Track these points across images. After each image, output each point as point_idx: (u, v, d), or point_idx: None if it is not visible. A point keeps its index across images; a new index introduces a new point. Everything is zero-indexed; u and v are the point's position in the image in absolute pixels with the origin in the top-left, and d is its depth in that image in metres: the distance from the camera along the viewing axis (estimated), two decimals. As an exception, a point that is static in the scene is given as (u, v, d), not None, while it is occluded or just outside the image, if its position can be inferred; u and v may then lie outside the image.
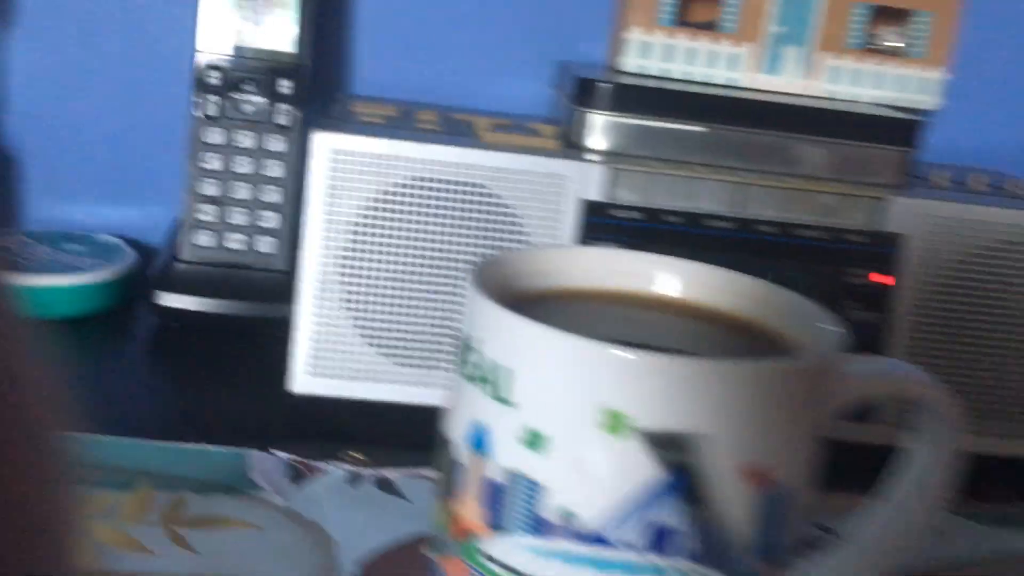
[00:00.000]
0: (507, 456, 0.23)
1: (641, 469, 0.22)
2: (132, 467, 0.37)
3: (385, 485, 0.38)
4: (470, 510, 0.24)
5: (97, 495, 0.34)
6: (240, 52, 0.51)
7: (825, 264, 0.44)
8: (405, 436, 0.38)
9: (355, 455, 0.39)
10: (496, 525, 0.24)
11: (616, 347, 0.22)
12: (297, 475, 0.38)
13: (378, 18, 0.58)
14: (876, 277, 0.44)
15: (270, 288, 0.51)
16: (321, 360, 0.42)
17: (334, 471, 0.38)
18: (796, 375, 0.23)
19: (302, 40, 0.52)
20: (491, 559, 0.24)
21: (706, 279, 0.27)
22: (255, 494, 0.36)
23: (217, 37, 0.51)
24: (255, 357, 0.47)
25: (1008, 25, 0.62)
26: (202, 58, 0.51)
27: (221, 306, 0.50)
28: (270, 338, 0.45)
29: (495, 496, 0.24)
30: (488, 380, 0.23)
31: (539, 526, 0.23)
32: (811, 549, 0.27)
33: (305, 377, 0.42)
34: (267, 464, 0.38)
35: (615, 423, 0.22)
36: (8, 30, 0.56)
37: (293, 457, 0.38)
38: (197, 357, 0.48)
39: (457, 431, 0.25)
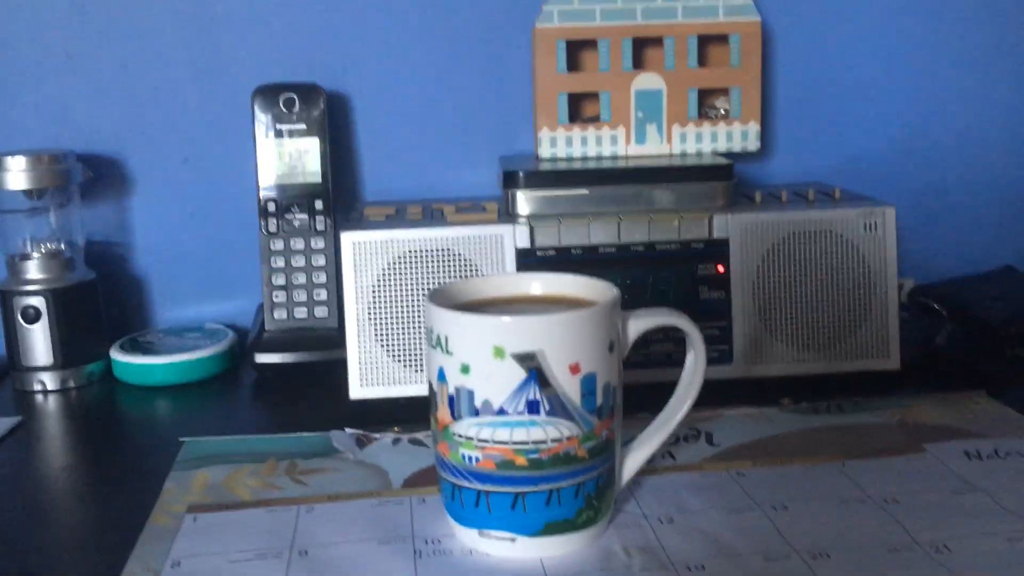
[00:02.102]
0: (454, 380, 0.47)
1: (515, 373, 0.45)
2: (263, 450, 0.61)
3: (415, 441, 0.61)
4: (443, 412, 0.48)
5: (245, 467, 0.58)
6: (286, 187, 0.76)
7: (680, 265, 0.67)
8: (424, 412, 0.61)
9: (395, 428, 0.63)
10: (455, 416, 0.47)
11: (493, 317, 0.46)
12: (360, 443, 0.61)
13: (374, 147, 0.83)
14: (714, 268, 0.67)
15: (328, 340, 0.75)
16: (365, 374, 0.66)
17: (383, 438, 0.62)
18: (586, 317, 0.46)
19: (325, 173, 0.77)
20: (456, 435, 0.47)
21: (552, 281, 0.51)
22: (337, 455, 0.60)
23: (269, 177, 0.76)
24: (324, 383, 0.71)
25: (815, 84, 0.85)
26: (262, 194, 0.76)
27: (297, 357, 0.74)
28: (333, 372, 0.70)
29: (452, 402, 0.47)
30: (439, 344, 0.47)
31: (474, 411, 0.46)
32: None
33: (357, 387, 0.66)
34: (342, 438, 0.62)
35: (499, 352, 0.45)
36: (128, 197, 0.83)
37: (358, 432, 0.62)
38: (286, 390, 0.72)
39: (432, 375, 0.48)
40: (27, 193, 0.75)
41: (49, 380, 0.74)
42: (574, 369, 0.46)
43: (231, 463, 0.59)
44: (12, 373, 0.75)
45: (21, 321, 0.74)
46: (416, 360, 0.66)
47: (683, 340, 0.51)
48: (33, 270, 0.74)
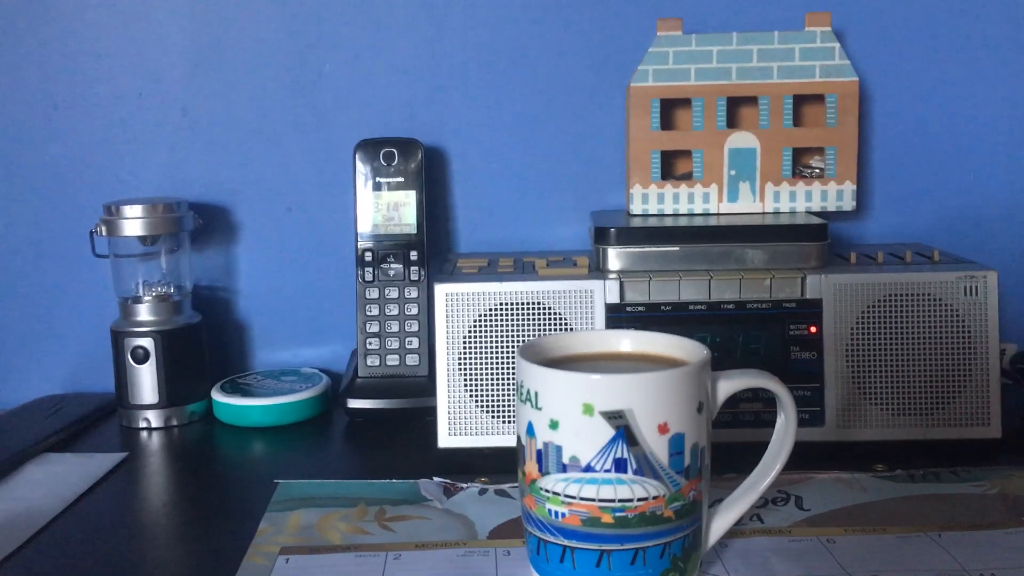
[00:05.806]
0: (542, 435, 0.47)
1: (604, 430, 0.46)
2: (354, 495, 0.62)
3: (501, 492, 0.62)
4: (530, 467, 0.48)
5: (336, 511, 0.60)
6: (382, 237, 0.79)
7: (771, 325, 0.67)
8: (510, 463, 0.62)
9: (482, 479, 0.64)
10: (543, 471, 0.48)
11: (583, 374, 0.46)
12: (448, 492, 0.62)
13: (468, 200, 0.85)
14: (806, 329, 0.66)
15: (418, 388, 0.76)
16: (454, 424, 0.67)
17: (470, 488, 0.63)
18: (675, 377, 0.46)
19: (420, 224, 0.79)
20: (543, 490, 0.48)
21: (642, 339, 0.52)
22: (425, 503, 0.61)
23: (367, 228, 0.79)
24: (413, 430, 0.72)
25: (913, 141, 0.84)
26: (359, 244, 0.79)
27: (388, 403, 0.76)
28: (422, 420, 0.71)
29: (540, 457, 0.48)
30: (529, 399, 0.48)
31: (562, 467, 0.47)
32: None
33: (445, 436, 0.67)
34: (430, 486, 0.63)
35: (588, 409, 0.46)
36: (234, 244, 0.86)
37: (446, 481, 0.63)
38: (377, 436, 0.74)
39: (520, 429, 0.49)
40: (141, 239, 0.79)
41: (154, 418, 0.78)
42: (662, 429, 0.46)
43: (323, 506, 0.61)
44: (119, 410, 0.79)
45: (130, 360, 0.77)
46: (504, 411, 0.67)
47: (773, 400, 0.51)
48: (144, 312, 0.78)
